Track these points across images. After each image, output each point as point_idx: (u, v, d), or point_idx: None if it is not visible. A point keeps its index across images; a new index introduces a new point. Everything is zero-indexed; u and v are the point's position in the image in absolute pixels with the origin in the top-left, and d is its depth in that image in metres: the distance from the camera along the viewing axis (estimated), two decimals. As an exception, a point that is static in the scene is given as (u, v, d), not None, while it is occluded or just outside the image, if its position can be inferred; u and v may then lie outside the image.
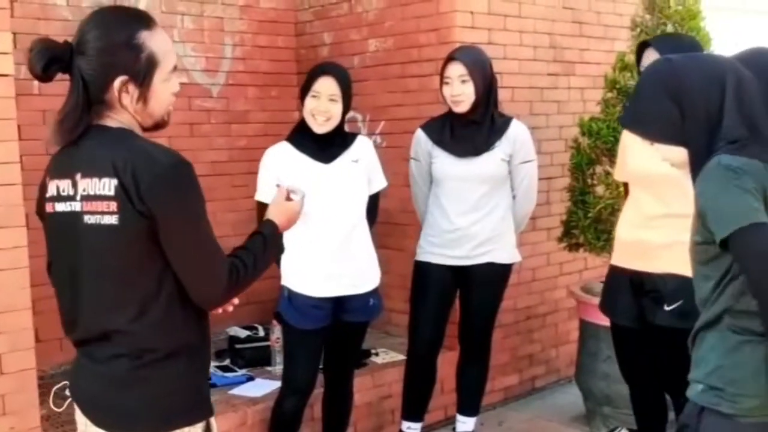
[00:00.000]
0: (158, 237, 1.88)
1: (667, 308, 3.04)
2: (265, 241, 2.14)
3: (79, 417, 2.08)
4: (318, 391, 3.58)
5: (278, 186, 2.50)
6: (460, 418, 4.07)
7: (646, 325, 3.30)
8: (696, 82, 2.01)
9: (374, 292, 3.44)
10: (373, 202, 3.47)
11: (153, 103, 1.98)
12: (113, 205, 1.86)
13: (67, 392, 2.12)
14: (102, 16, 1.99)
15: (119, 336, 1.93)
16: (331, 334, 3.43)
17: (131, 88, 1.94)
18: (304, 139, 3.33)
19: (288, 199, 2.36)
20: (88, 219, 1.90)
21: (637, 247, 3.30)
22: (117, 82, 1.92)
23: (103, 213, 1.88)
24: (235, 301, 2.12)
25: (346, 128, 3.50)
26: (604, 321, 3.95)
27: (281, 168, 3.27)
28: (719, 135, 1.98)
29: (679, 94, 2.01)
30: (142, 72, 1.94)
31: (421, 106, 4.52)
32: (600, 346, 4.28)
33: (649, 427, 3.58)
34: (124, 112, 1.96)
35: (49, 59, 1.89)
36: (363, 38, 4.85)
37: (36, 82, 4.03)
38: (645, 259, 3.27)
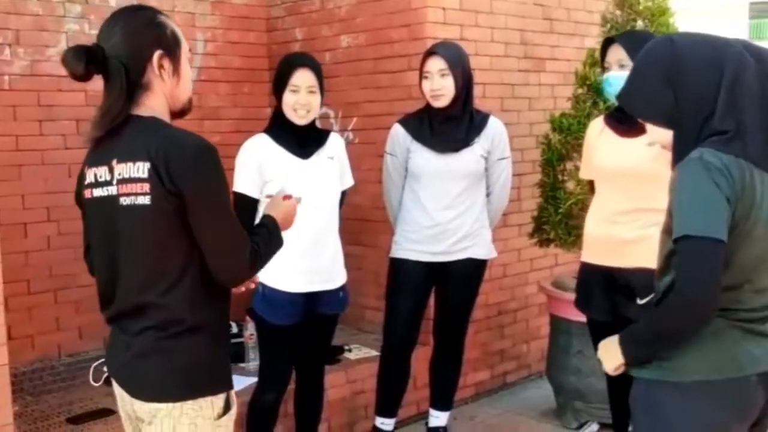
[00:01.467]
0: (186, 216, 1.99)
1: (639, 302, 3.06)
2: (270, 233, 2.23)
3: (116, 388, 2.20)
4: (291, 387, 3.59)
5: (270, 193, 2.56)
6: (433, 412, 4.08)
7: (620, 319, 3.30)
8: (693, 69, 1.98)
9: (343, 287, 3.47)
10: (341, 199, 3.49)
11: (183, 80, 2.14)
12: (146, 186, 1.98)
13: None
14: (119, 13, 2.13)
15: (150, 309, 2.04)
16: (304, 328, 3.43)
17: (166, 63, 2.08)
18: (282, 132, 3.32)
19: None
20: (124, 201, 2.02)
21: (606, 243, 3.34)
22: (155, 57, 2.06)
23: (137, 194, 1.99)
24: (251, 285, 2.32)
25: (318, 124, 3.51)
26: (575, 316, 4.00)
27: (262, 159, 3.25)
28: (709, 124, 1.96)
29: (676, 79, 1.99)
30: (172, 45, 2.10)
31: (393, 102, 4.49)
32: (571, 341, 4.30)
33: (624, 418, 3.56)
34: (158, 95, 2.09)
35: (87, 58, 2.00)
36: (335, 34, 4.82)
37: (7, 77, 4.09)
38: (615, 254, 3.31)
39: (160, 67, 2.06)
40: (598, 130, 3.44)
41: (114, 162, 2.03)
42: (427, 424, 4.12)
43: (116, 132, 2.03)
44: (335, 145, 3.44)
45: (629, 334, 2.10)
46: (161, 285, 2.02)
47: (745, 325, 2.00)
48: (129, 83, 2.02)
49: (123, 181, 2.01)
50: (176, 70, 2.11)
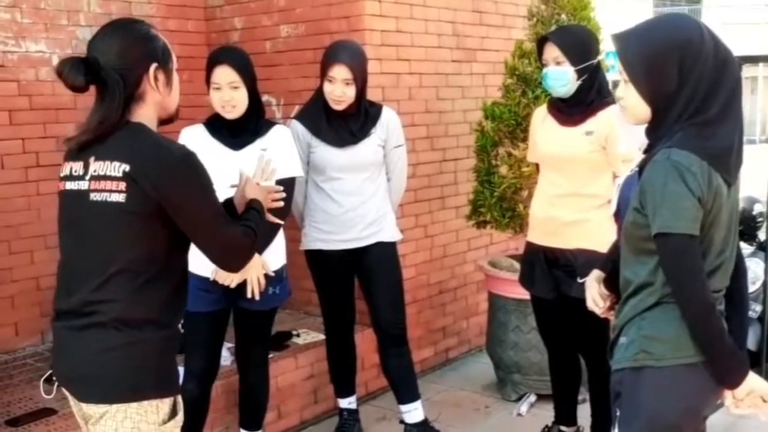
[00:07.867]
0: (164, 218, 2.06)
1: (579, 281, 3.12)
2: (260, 214, 2.38)
3: (68, 394, 2.19)
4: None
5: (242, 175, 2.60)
6: (402, 408, 3.89)
7: (561, 296, 3.50)
8: (707, 69, 2.03)
9: (277, 280, 3.35)
10: (284, 189, 3.12)
11: (174, 91, 2.23)
12: (122, 185, 2.04)
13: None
14: (113, 25, 2.20)
15: (105, 304, 2.05)
16: (235, 320, 3.41)
17: (161, 75, 2.17)
18: (218, 124, 3.33)
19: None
20: (94, 197, 2.07)
21: (549, 225, 3.48)
22: (151, 70, 2.14)
23: (111, 191, 2.05)
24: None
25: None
26: (513, 293, 4.22)
27: (193, 148, 3.02)
28: (692, 117, 2.03)
29: (688, 76, 2.03)
30: (166, 58, 2.20)
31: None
32: (509, 317, 4.44)
33: (563, 388, 3.80)
34: (149, 105, 2.16)
35: (85, 70, 2.06)
36: (274, 24, 4.81)
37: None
38: (556, 236, 3.46)
39: (155, 79, 2.14)
40: (541, 118, 3.56)
41: (91, 159, 2.08)
42: (401, 421, 3.95)
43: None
44: (275, 137, 3.35)
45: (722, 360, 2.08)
46: (119, 281, 2.05)
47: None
48: (124, 95, 2.09)
49: (96, 178, 2.06)
50: (169, 81, 2.19)
